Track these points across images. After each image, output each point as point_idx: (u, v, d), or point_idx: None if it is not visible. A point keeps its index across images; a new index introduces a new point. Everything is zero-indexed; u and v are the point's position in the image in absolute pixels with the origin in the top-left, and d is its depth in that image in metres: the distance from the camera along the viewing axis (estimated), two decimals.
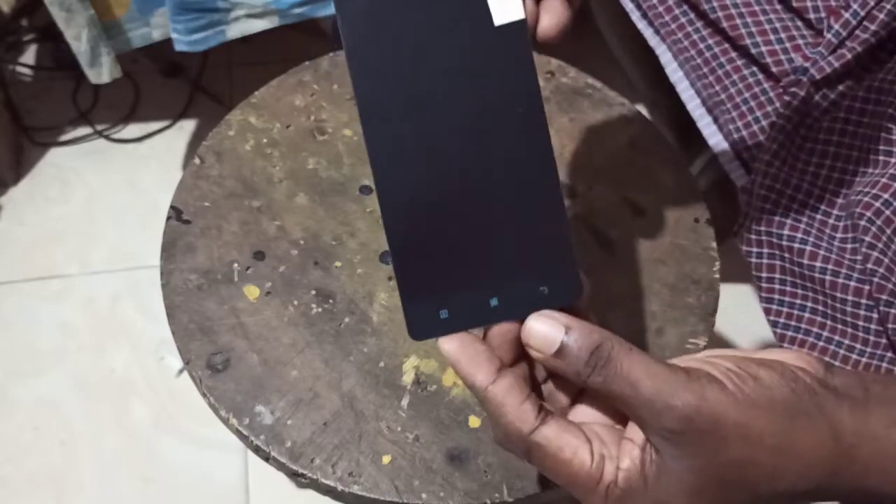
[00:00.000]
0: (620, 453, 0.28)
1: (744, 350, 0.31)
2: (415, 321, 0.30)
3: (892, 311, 0.45)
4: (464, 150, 0.30)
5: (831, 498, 0.29)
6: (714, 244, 0.50)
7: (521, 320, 0.30)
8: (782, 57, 0.54)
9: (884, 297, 0.45)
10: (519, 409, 0.28)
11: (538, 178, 0.30)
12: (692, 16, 0.58)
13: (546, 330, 0.28)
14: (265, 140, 0.53)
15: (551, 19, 0.32)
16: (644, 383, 0.27)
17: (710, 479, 0.27)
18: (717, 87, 0.58)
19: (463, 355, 0.29)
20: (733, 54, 0.57)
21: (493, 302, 0.30)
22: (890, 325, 0.45)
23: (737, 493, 0.27)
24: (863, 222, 0.47)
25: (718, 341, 0.95)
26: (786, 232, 0.52)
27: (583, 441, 0.28)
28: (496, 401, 0.28)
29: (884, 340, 0.47)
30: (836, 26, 0.51)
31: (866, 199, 0.47)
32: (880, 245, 0.46)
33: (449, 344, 0.29)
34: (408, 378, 0.44)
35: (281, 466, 0.41)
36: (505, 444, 0.30)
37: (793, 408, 0.27)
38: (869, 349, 0.48)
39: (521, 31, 0.30)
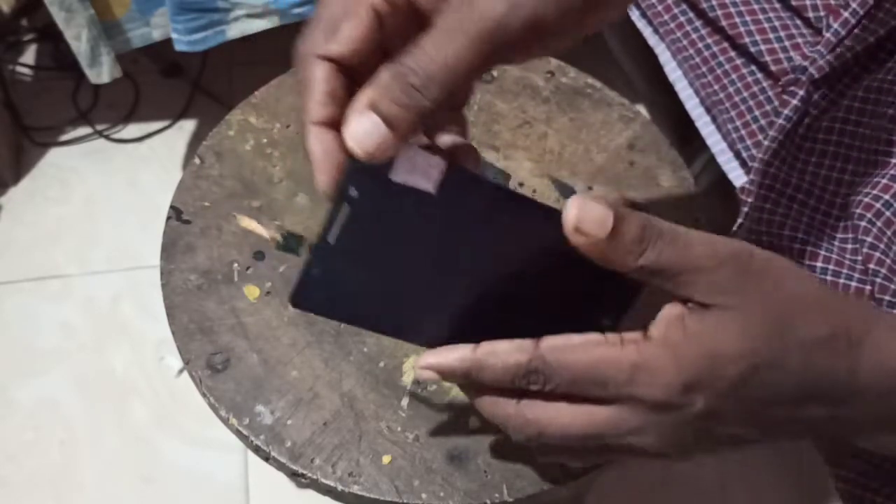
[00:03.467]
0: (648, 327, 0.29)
1: None
2: None
3: (895, 313, 0.45)
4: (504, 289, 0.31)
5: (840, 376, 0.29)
6: None
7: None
8: (781, 56, 0.54)
9: (886, 297, 0.45)
10: (511, 344, 0.29)
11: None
12: (691, 15, 0.58)
13: (600, 214, 0.27)
14: (265, 140, 0.53)
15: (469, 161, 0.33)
16: (695, 245, 0.27)
17: (763, 319, 0.27)
18: (716, 87, 0.58)
19: (438, 357, 0.30)
20: (732, 53, 0.57)
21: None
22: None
23: (783, 335, 0.27)
24: (863, 223, 0.47)
25: None
26: (786, 232, 0.52)
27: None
28: (486, 357, 0.29)
29: None
30: (836, 25, 0.51)
31: (867, 199, 0.47)
32: (881, 246, 0.46)
33: (429, 359, 0.30)
34: (408, 378, 0.44)
35: (281, 466, 0.41)
36: (518, 420, 0.30)
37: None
38: None
39: (456, 176, 0.29)
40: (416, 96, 0.26)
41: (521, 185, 0.52)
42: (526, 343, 0.29)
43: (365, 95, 0.27)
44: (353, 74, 0.30)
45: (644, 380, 0.27)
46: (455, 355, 0.30)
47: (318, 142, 0.29)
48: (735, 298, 0.27)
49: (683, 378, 0.27)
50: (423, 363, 0.30)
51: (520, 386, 0.29)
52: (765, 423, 0.29)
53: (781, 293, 0.27)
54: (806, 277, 0.28)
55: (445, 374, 0.30)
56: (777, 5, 0.55)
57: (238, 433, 0.41)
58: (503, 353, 0.29)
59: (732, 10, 0.56)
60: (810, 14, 0.53)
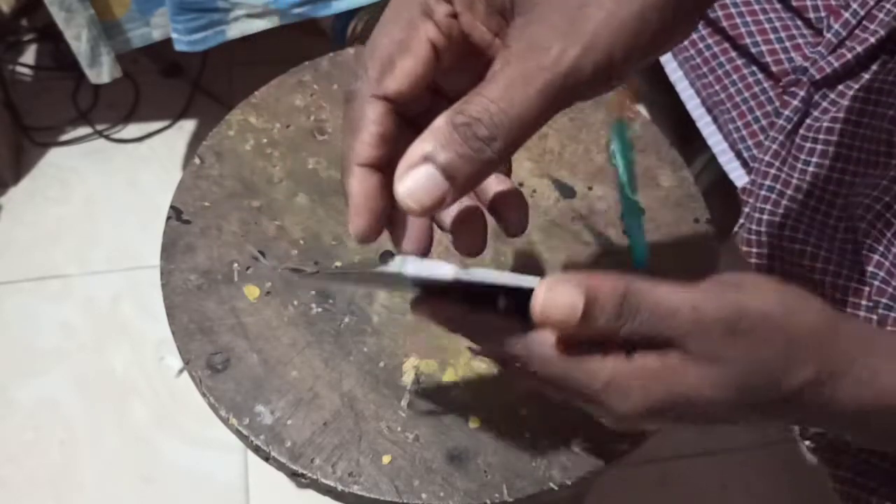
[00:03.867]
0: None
1: None
2: None
3: (892, 314, 0.45)
4: None
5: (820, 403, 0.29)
6: (714, 244, 0.50)
7: None
8: (782, 56, 0.54)
9: (883, 300, 0.45)
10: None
11: None
12: None
13: (568, 299, 0.25)
14: (265, 140, 0.53)
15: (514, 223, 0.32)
16: (679, 312, 0.26)
17: (743, 377, 0.26)
18: (717, 87, 0.58)
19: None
20: (733, 54, 0.57)
21: None
22: (888, 328, 0.45)
23: (762, 388, 0.27)
24: (863, 225, 0.47)
25: None
26: (786, 233, 0.52)
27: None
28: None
29: None
30: (836, 26, 0.51)
31: (867, 201, 0.47)
32: (881, 248, 0.46)
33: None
34: (408, 378, 0.44)
35: (281, 466, 0.41)
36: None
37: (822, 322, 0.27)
38: None
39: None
40: (481, 148, 0.25)
41: (521, 184, 0.52)
42: (516, 337, 0.28)
43: (421, 145, 0.25)
44: (403, 112, 0.29)
45: (612, 397, 0.27)
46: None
47: (361, 184, 0.28)
48: (720, 355, 0.26)
49: (648, 405, 0.27)
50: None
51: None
52: (731, 425, 0.30)
53: (769, 350, 0.27)
54: (799, 312, 0.27)
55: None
56: (778, 6, 0.56)
57: (238, 433, 0.41)
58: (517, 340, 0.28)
59: (733, 10, 0.56)
60: (811, 15, 0.53)
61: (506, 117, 0.25)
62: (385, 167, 0.28)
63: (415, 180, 0.25)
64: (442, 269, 0.27)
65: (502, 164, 0.26)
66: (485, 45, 0.28)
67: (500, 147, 0.25)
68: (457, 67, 0.29)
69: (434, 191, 0.25)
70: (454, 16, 0.27)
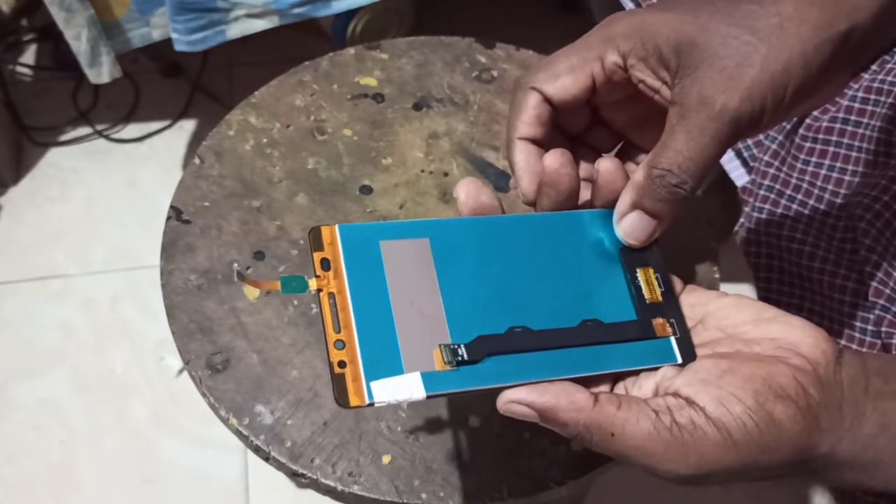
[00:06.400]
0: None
1: (763, 325, 0.30)
2: None
3: (888, 316, 0.45)
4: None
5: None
6: (714, 244, 0.50)
7: None
8: None
9: (880, 301, 0.45)
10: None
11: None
12: None
13: (524, 412, 0.29)
14: (265, 140, 0.53)
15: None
16: (634, 458, 0.28)
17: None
18: None
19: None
20: None
21: None
22: (884, 329, 0.45)
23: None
24: (862, 224, 0.47)
25: None
26: (785, 232, 0.52)
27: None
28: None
29: (879, 342, 0.47)
30: None
31: (866, 200, 0.47)
32: (879, 248, 0.46)
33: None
34: None
35: (281, 466, 0.41)
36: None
37: (799, 444, 0.28)
38: (865, 350, 0.48)
39: None
40: (676, 192, 0.31)
41: None
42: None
43: (628, 196, 0.32)
44: (564, 126, 0.36)
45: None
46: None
47: (522, 153, 0.34)
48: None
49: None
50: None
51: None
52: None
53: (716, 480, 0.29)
54: (750, 472, 0.29)
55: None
56: None
57: (238, 433, 0.42)
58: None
59: None
60: None
61: (692, 163, 0.30)
62: (539, 144, 0.34)
63: (630, 222, 0.32)
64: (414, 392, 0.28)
65: (693, 197, 0.32)
66: (652, 91, 0.33)
67: (690, 186, 0.31)
68: (620, 104, 0.35)
69: (647, 229, 0.32)
70: (622, 67, 0.33)
